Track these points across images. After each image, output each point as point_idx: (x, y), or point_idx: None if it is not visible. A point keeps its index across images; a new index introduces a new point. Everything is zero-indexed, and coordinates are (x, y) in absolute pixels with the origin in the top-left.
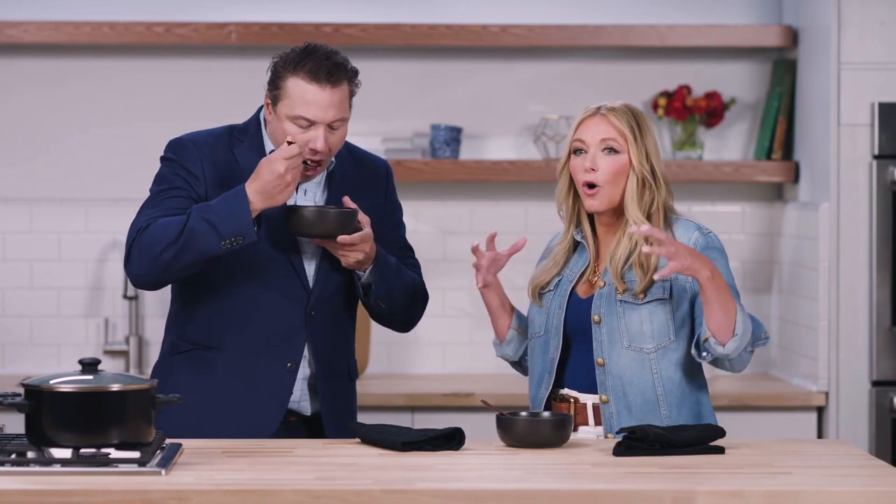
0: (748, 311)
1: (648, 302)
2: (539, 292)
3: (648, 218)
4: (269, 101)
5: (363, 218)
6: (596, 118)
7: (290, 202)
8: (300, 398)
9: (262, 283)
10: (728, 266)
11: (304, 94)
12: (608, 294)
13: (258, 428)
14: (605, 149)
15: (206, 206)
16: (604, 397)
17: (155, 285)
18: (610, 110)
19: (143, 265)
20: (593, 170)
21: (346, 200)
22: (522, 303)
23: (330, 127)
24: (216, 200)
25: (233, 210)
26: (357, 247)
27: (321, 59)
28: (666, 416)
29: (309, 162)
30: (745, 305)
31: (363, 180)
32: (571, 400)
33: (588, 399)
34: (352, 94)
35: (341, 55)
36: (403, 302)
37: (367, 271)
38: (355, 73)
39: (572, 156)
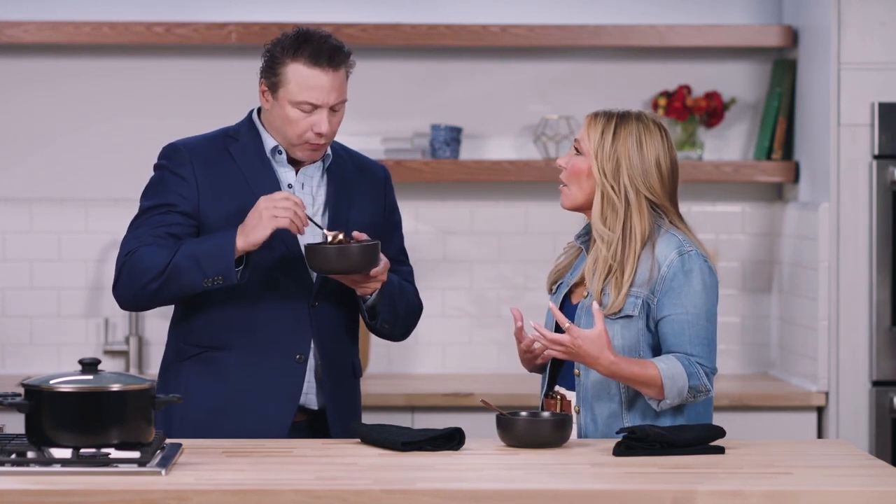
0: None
1: (619, 318)
2: (551, 294)
3: (622, 236)
4: (267, 89)
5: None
6: (585, 121)
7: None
8: (307, 391)
9: (265, 278)
10: (705, 288)
11: (307, 79)
12: (588, 305)
13: (273, 424)
14: (575, 148)
15: (194, 242)
16: (577, 407)
17: (142, 310)
18: (593, 114)
19: (129, 293)
20: (563, 166)
21: (358, 234)
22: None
23: (332, 109)
24: (206, 238)
25: (218, 249)
26: (378, 277)
27: (319, 43)
28: None
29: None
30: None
31: (363, 184)
32: (558, 397)
33: (573, 397)
34: (347, 76)
35: (335, 38)
36: (405, 319)
37: (375, 295)
38: (349, 54)
39: None
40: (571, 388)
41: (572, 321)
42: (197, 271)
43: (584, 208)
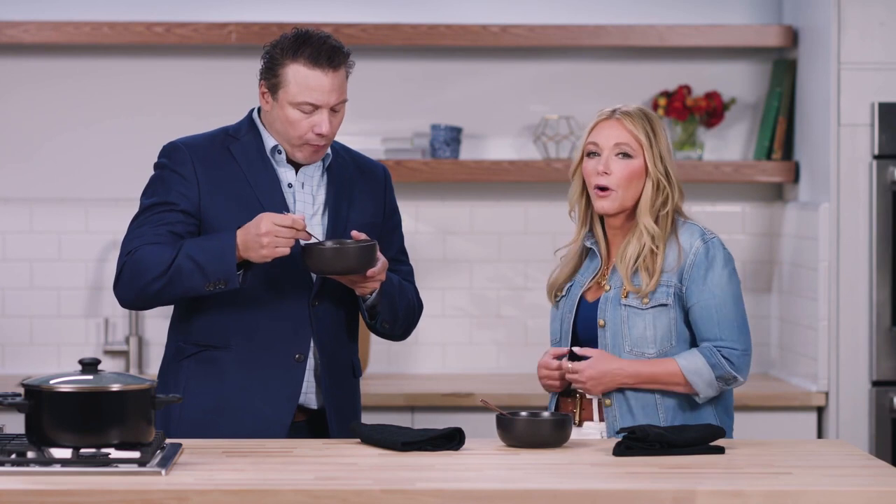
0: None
1: (652, 307)
2: (556, 296)
3: (657, 221)
4: (267, 91)
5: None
6: (611, 122)
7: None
8: (307, 390)
9: (265, 278)
10: (729, 272)
11: (307, 80)
12: (614, 298)
13: (272, 423)
14: (618, 153)
15: (196, 243)
16: (607, 401)
17: (143, 309)
18: (625, 114)
19: (130, 293)
20: (606, 173)
21: (356, 234)
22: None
23: (332, 110)
24: (208, 239)
25: (220, 254)
26: (376, 277)
27: (318, 44)
28: (664, 420)
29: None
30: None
31: (363, 184)
32: (578, 395)
33: (594, 396)
34: (347, 76)
35: (334, 38)
36: (405, 318)
37: (374, 294)
38: (349, 54)
39: (586, 158)
40: None
41: (595, 318)
42: (199, 275)
43: (627, 209)
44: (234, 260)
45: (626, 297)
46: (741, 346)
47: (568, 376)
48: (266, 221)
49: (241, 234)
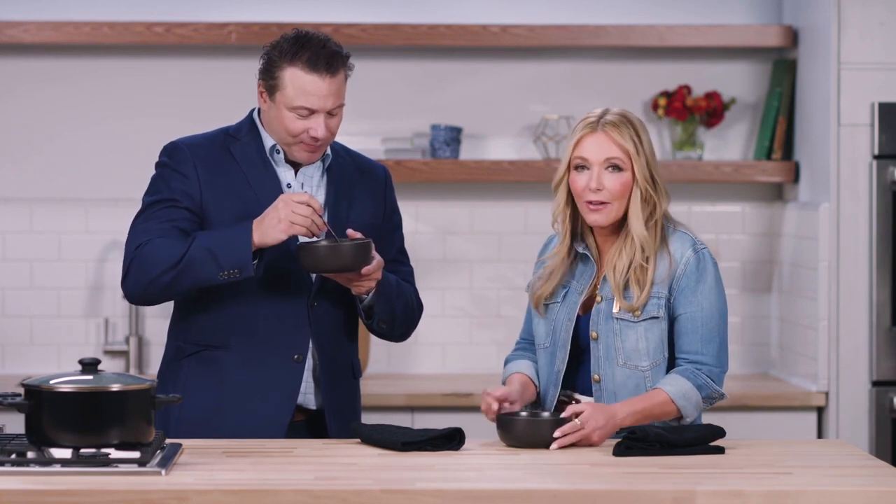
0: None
1: (644, 320)
2: (545, 303)
3: (647, 229)
4: (265, 91)
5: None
6: (597, 135)
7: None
8: (306, 390)
9: (265, 278)
10: (719, 288)
11: (304, 85)
12: (605, 311)
13: (271, 423)
14: (609, 167)
15: (209, 234)
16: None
17: (150, 304)
18: (611, 125)
19: (139, 285)
20: (599, 189)
21: (351, 233)
22: (522, 301)
23: (329, 114)
24: (221, 230)
25: (235, 242)
26: (372, 276)
27: (317, 48)
28: None
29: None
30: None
31: (363, 184)
32: (574, 401)
33: (589, 401)
34: (346, 79)
35: (334, 41)
36: (403, 319)
37: (371, 294)
38: (348, 57)
39: (573, 171)
40: (587, 393)
41: (588, 330)
42: (213, 264)
43: (620, 219)
44: (250, 247)
45: (618, 309)
46: (721, 366)
47: (572, 437)
48: (282, 197)
49: (258, 221)
